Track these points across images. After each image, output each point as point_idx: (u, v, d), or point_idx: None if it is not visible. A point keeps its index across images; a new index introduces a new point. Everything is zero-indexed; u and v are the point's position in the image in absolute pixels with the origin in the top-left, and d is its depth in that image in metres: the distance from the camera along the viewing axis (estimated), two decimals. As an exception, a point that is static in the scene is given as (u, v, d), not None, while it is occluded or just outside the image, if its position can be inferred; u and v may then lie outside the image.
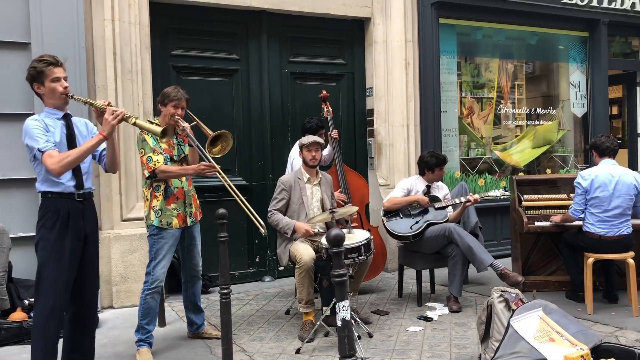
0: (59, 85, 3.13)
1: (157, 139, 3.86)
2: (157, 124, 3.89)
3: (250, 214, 3.85)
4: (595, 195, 4.64)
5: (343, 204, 5.15)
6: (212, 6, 5.75)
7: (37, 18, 4.85)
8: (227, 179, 3.89)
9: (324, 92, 5.49)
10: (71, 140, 3.20)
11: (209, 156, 3.85)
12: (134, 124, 3.23)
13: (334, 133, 5.38)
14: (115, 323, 4.73)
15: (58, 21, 4.92)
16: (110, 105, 3.21)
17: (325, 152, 5.50)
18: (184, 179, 3.96)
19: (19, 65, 4.84)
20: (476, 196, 4.97)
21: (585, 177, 4.72)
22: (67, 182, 3.14)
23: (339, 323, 2.25)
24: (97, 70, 5.16)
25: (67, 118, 3.23)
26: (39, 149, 3.04)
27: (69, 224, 3.13)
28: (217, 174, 3.88)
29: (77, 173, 3.18)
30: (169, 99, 3.90)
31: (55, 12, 4.90)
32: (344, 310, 2.21)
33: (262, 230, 3.81)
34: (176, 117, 3.88)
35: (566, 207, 5.17)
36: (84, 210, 3.21)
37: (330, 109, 5.46)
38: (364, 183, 5.63)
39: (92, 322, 3.41)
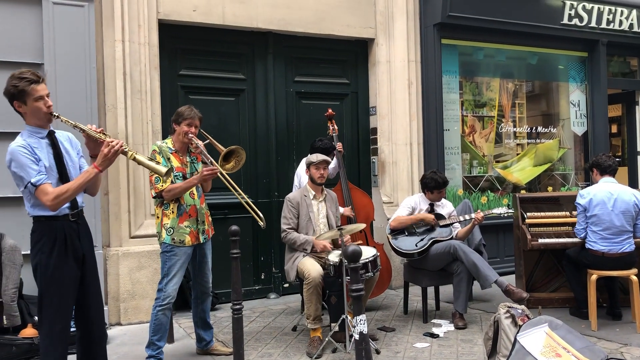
0: (43, 105, 2.98)
1: (167, 159, 3.94)
2: (169, 147, 3.99)
3: (249, 209, 3.99)
4: (595, 213, 4.71)
5: (350, 218, 5.22)
6: (220, 27, 5.87)
7: (50, 39, 4.96)
8: (231, 180, 3.97)
9: (330, 110, 5.60)
10: (59, 160, 3.07)
11: (219, 168, 3.92)
12: (133, 159, 3.06)
13: (339, 145, 5.48)
14: (124, 339, 4.77)
15: (70, 42, 5.03)
16: (104, 134, 3.05)
17: (331, 165, 5.57)
18: (196, 196, 4.03)
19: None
20: (482, 214, 5.03)
21: (584, 195, 4.80)
22: None
23: (357, 336, 2.30)
24: (107, 90, 5.26)
25: (51, 136, 3.08)
26: (31, 183, 2.91)
27: (67, 246, 3.03)
28: (220, 175, 3.95)
29: None
30: (183, 117, 3.99)
31: (67, 34, 5.01)
32: (361, 324, 2.27)
33: (261, 223, 3.98)
34: (189, 135, 3.97)
35: (568, 224, 5.25)
36: (79, 230, 3.12)
37: (336, 127, 5.56)
38: (369, 201, 5.69)
39: (100, 339, 3.38)
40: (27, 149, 2.95)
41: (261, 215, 3.99)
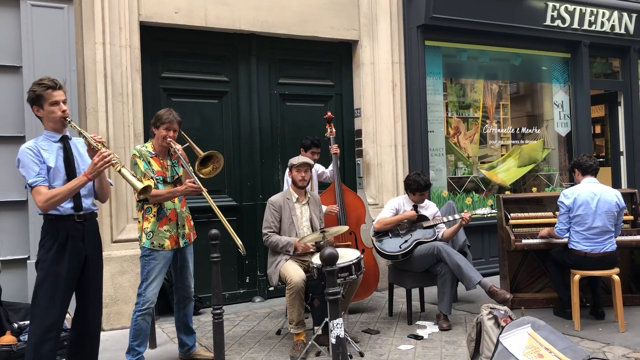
0: (58, 109, 3.18)
1: (148, 162, 3.90)
2: (149, 151, 3.94)
3: (232, 234, 3.79)
4: (578, 213, 4.73)
5: (333, 213, 5.19)
6: (202, 29, 5.83)
7: (28, 42, 4.89)
8: (212, 200, 3.86)
9: (329, 113, 5.63)
10: (69, 164, 3.23)
11: (196, 178, 3.87)
12: (119, 171, 3.20)
13: (334, 147, 5.46)
14: (106, 345, 4.70)
15: (49, 45, 4.96)
16: (104, 145, 3.21)
17: (330, 167, 5.56)
18: (176, 200, 3.98)
19: (10, 89, 4.89)
20: (469, 214, 5.02)
21: (567, 195, 4.82)
22: (64, 204, 3.17)
23: (333, 340, 2.28)
24: (88, 93, 5.20)
25: (64, 140, 3.25)
26: (28, 184, 3.10)
27: (67, 245, 3.16)
28: (205, 195, 3.87)
29: (75, 195, 3.19)
30: (161, 121, 3.94)
31: (46, 36, 4.95)
32: (337, 327, 2.25)
33: (241, 250, 3.78)
34: (168, 139, 3.92)
35: (552, 224, 5.25)
36: (84, 231, 3.25)
37: (334, 130, 5.59)
38: (361, 204, 5.64)
39: (94, 345, 3.41)
40: (33, 150, 3.13)
41: (241, 242, 3.81)
